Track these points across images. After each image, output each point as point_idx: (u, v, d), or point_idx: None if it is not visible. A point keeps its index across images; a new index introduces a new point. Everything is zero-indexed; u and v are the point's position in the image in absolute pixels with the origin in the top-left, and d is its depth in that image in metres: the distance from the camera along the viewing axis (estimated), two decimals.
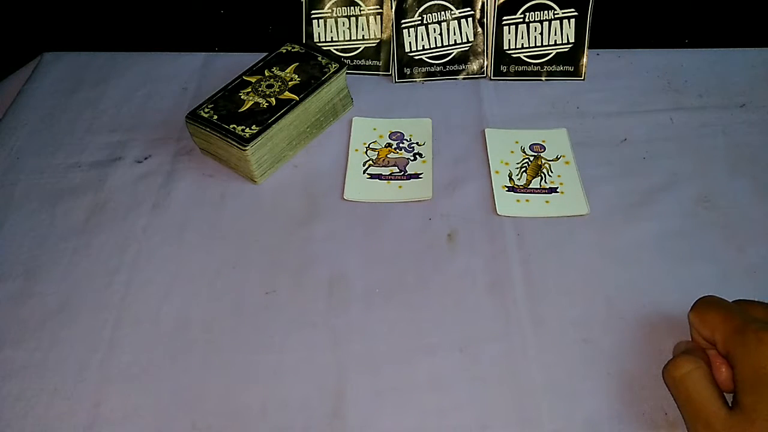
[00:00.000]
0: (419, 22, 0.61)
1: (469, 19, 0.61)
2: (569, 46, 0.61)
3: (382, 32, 0.63)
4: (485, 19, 0.61)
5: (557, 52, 0.62)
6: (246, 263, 0.48)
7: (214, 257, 0.49)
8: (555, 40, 0.61)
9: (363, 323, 0.45)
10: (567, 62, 0.62)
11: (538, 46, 0.61)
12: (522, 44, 0.61)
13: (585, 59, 0.61)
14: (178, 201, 0.53)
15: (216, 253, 0.49)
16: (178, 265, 0.48)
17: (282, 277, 0.47)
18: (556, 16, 0.61)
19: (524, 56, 0.62)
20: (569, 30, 0.61)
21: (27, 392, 0.41)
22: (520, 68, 0.62)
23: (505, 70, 0.62)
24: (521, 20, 0.61)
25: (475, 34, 0.62)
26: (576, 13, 0.60)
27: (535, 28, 0.61)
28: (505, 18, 0.61)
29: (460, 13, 0.61)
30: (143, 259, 0.49)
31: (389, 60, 0.63)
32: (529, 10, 0.61)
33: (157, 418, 0.40)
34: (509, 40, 0.61)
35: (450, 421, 0.40)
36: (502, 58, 0.62)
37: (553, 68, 0.62)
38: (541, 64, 0.62)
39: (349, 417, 0.40)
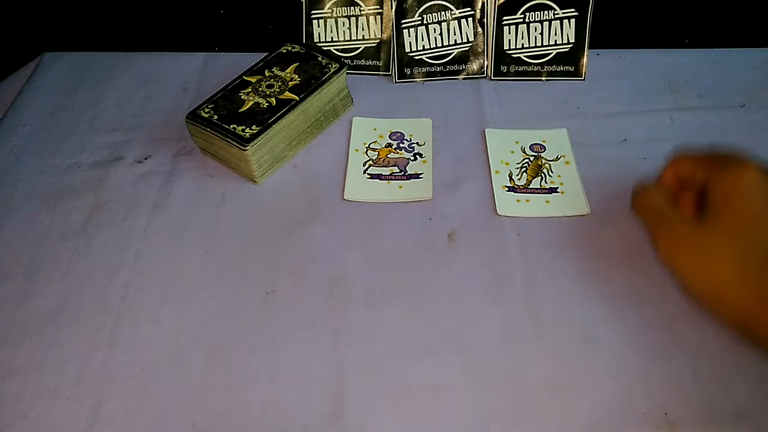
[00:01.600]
0: (419, 22, 0.61)
1: (469, 19, 0.61)
2: (569, 46, 0.61)
3: (382, 32, 0.63)
4: (485, 19, 0.61)
5: (557, 52, 0.62)
6: (246, 263, 0.48)
7: (214, 257, 0.49)
8: (555, 40, 0.61)
9: (363, 323, 0.45)
10: (567, 62, 0.62)
11: (539, 46, 0.61)
12: (522, 44, 0.61)
13: (585, 59, 0.61)
14: (178, 201, 0.53)
15: (216, 253, 0.49)
16: (178, 265, 0.48)
17: (282, 277, 0.47)
18: (556, 16, 0.61)
19: (524, 56, 0.62)
20: (569, 30, 0.61)
21: (27, 392, 0.41)
22: (521, 68, 0.62)
23: (505, 70, 0.62)
24: (521, 20, 0.61)
25: (475, 34, 0.62)
26: (576, 13, 0.60)
27: (536, 28, 0.61)
28: (505, 18, 0.61)
29: (460, 13, 0.61)
30: (143, 259, 0.49)
31: (389, 60, 0.63)
32: (529, 10, 0.61)
33: (157, 418, 0.40)
34: (509, 40, 0.61)
35: (450, 421, 0.40)
36: (502, 58, 0.62)
37: (554, 68, 0.62)
38: (542, 64, 0.62)
39: (349, 417, 0.40)
